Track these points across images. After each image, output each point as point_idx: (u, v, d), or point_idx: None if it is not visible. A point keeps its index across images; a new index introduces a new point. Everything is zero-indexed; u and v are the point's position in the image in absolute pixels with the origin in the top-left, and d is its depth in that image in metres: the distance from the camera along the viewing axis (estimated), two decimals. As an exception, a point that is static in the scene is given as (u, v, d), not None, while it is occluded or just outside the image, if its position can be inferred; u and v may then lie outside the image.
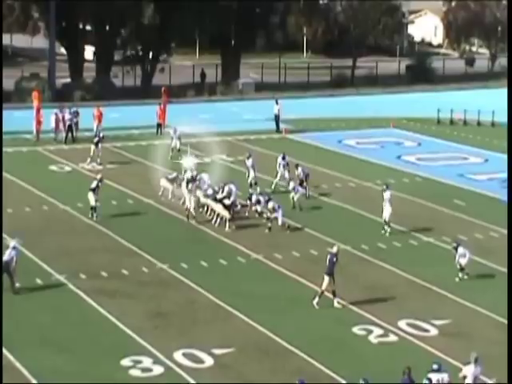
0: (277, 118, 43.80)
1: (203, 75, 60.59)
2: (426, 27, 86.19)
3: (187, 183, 29.41)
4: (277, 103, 44.21)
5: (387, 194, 28.03)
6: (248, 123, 45.23)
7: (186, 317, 21.50)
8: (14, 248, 22.87)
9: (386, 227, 27.85)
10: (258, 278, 24.24)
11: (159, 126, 42.48)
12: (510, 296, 22.10)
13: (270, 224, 27.85)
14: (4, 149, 36.36)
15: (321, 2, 65.72)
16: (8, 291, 22.46)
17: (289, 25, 66.92)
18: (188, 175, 30.00)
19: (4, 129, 40.67)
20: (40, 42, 62.65)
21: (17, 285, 22.69)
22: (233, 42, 59.73)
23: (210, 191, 29.05)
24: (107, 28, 55.29)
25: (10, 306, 21.80)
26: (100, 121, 41.30)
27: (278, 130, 43.42)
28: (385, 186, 28.58)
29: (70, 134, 39.96)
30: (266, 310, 21.94)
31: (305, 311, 22.05)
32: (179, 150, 37.15)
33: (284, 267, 24.97)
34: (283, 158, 32.59)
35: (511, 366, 18.12)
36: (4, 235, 26.69)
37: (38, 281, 23.43)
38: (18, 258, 22.83)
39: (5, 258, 22.72)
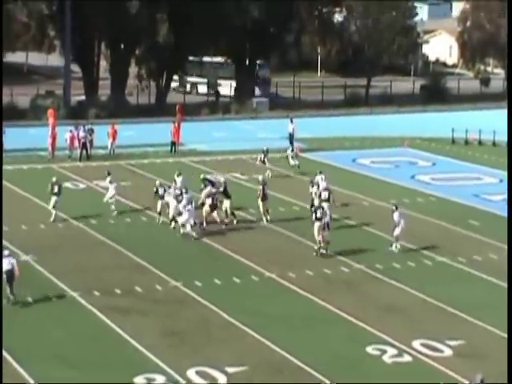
0: (291, 137, 43.91)
1: (217, 93, 60.91)
2: (441, 47, 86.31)
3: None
4: (291, 122, 44.37)
5: (396, 215, 27.91)
6: (262, 141, 45.34)
7: (199, 335, 21.52)
8: (9, 256, 23.06)
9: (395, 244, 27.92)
10: (271, 297, 24.25)
11: (173, 144, 42.68)
12: (510, 300, 22.04)
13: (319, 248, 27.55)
14: (19, 166, 36.66)
15: (335, 21, 66.00)
16: (20, 306, 22.56)
17: (303, 44, 67.21)
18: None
19: (19, 146, 41.03)
20: (55, 60, 63.19)
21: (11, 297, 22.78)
22: (247, 61, 60.05)
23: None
24: (122, 46, 55.73)
25: (23, 321, 21.91)
26: (114, 138, 41.59)
27: (292, 149, 43.49)
28: (394, 207, 28.37)
29: (84, 152, 40.20)
30: (280, 329, 21.94)
31: (318, 330, 22.04)
32: (299, 167, 37.72)
33: (297, 286, 24.98)
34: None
35: (511, 366, 18.04)
36: (18, 251, 26.90)
37: (52, 297, 23.52)
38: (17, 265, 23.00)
39: (7, 266, 22.83)
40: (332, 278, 25.87)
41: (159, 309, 23.09)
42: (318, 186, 31.44)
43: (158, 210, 30.34)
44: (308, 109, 56.62)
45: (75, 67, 56.58)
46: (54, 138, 40.77)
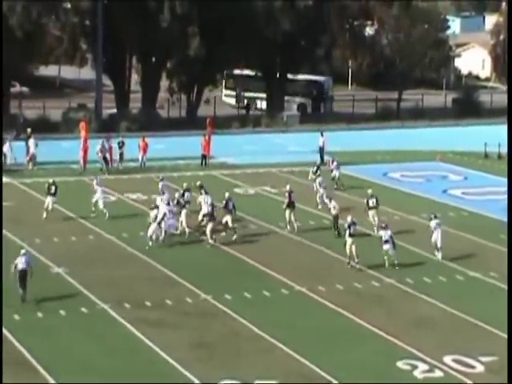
0: (321, 150, 43.96)
1: (248, 107, 61.13)
2: (474, 60, 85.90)
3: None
4: (322, 135, 44.44)
5: (433, 223, 28.80)
6: (292, 155, 45.48)
7: (229, 348, 21.62)
8: (25, 254, 24.00)
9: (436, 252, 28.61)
10: (301, 310, 24.30)
11: (204, 157, 42.92)
12: (510, 300, 22.01)
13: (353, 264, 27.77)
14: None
15: (366, 34, 66.03)
16: (52, 317, 22.82)
17: (334, 57, 67.31)
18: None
19: (51, 159, 41.51)
20: (87, 73, 63.87)
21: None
22: (278, 74, 60.24)
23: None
24: (153, 60, 56.21)
25: (54, 333, 22.14)
26: (145, 151, 41.91)
27: (322, 162, 43.51)
28: (432, 215, 29.32)
29: (106, 165, 40.45)
30: (310, 342, 21.97)
31: (349, 344, 22.03)
32: (339, 179, 37.72)
33: (327, 300, 25.00)
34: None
35: (511, 366, 17.91)
36: (50, 263, 27.25)
37: (83, 309, 23.75)
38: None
39: (22, 265, 23.69)
40: (362, 292, 25.87)
41: (189, 321, 23.22)
42: (330, 200, 31.62)
43: (181, 219, 30.68)
44: (339, 122, 56.65)
45: (107, 80, 57.13)
46: (85, 150, 41.17)
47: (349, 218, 28.31)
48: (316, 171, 38.27)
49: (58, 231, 30.84)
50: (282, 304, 24.78)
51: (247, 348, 21.64)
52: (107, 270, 27.03)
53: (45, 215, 31.97)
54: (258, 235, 31.19)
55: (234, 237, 30.02)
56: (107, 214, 32.28)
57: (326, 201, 32.88)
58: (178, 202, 30.87)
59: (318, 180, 35.38)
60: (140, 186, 37.79)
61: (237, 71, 61.35)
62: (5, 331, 21.93)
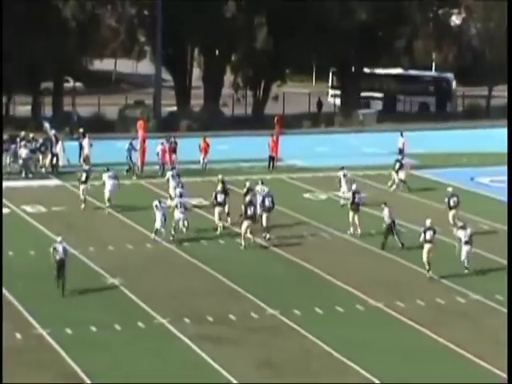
0: (401, 153, 43.79)
1: (320, 104, 61.23)
2: None
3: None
4: (402, 136, 44.26)
5: None
6: (369, 157, 45.41)
7: (298, 367, 21.71)
8: (61, 243, 25.70)
9: None
10: (378, 328, 24.28)
11: (271, 159, 43.12)
12: (510, 294, 22.12)
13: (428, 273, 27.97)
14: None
15: (452, 24, 65.53)
16: (107, 332, 23.27)
17: (416, 50, 66.98)
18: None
19: (106, 160, 42.19)
20: (145, 67, 64.77)
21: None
22: (353, 69, 60.17)
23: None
24: (217, 52, 56.69)
25: (110, 348, 22.55)
26: (206, 152, 42.33)
27: (401, 166, 43.33)
28: None
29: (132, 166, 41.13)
30: (386, 363, 21.94)
31: (430, 365, 21.93)
32: (405, 182, 38.49)
33: (407, 317, 24.93)
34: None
35: (511, 366, 17.65)
36: (104, 273, 27.75)
37: (140, 324, 24.09)
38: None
39: (60, 255, 25.37)
40: (446, 308, 25.73)
41: (255, 338, 23.39)
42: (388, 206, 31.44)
43: (216, 218, 31.90)
44: (421, 121, 56.31)
45: (166, 75, 57.84)
46: (143, 151, 41.75)
47: (427, 222, 28.24)
48: (397, 170, 38.64)
49: (114, 239, 31.36)
50: (357, 321, 24.78)
51: (318, 368, 21.70)
52: (166, 282, 27.39)
53: (83, 206, 34.30)
54: (329, 244, 31.28)
55: (267, 236, 30.79)
56: (110, 205, 34.43)
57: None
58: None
59: (340, 173, 36.12)
60: (201, 190, 38.15)
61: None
62: (56, 346, 22.44)
